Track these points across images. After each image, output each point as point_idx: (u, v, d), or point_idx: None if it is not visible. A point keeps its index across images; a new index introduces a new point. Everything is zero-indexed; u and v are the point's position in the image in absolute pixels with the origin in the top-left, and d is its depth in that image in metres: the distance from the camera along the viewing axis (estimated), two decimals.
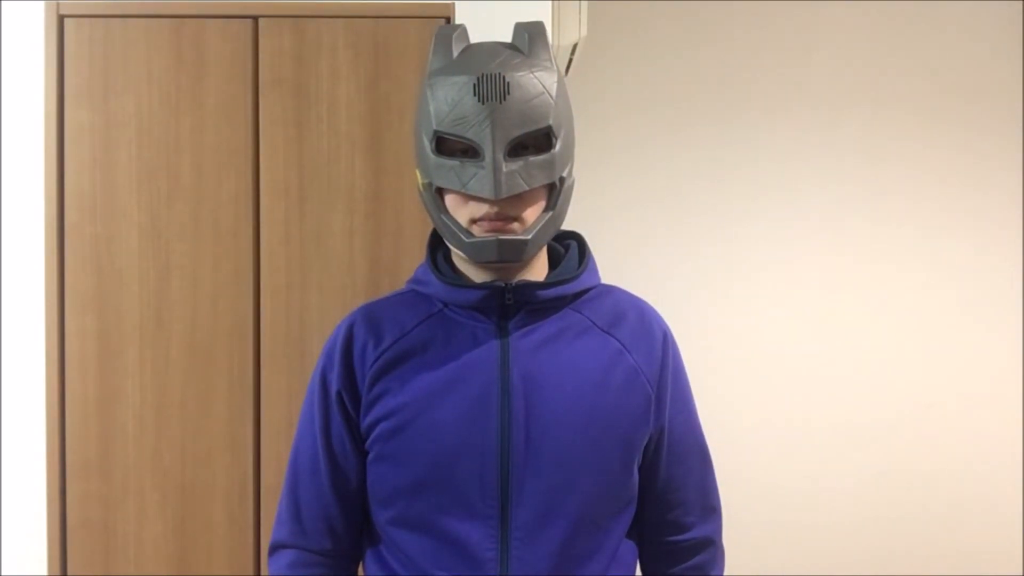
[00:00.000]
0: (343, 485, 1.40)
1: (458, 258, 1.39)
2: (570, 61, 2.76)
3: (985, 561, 3.60)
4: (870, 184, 3.61)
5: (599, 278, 1.45)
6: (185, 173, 2.18)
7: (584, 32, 2.50)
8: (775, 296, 3.59)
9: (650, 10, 3.54)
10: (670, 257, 3.57)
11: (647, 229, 3.56)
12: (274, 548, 1.45)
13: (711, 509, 1.47)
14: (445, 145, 1.28)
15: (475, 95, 1.24)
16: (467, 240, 1.28)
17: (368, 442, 1.37)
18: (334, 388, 1.39)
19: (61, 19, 2.17)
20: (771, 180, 3.59)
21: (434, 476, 1.31)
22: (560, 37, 2.44)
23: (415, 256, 2.17)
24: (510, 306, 1.34)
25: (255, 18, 2.20)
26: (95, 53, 2.18)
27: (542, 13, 2.23)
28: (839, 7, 3.60)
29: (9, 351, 2.23)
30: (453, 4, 2.21)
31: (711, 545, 1.47)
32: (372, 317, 1.41)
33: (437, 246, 1.45)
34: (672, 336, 1.44)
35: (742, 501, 3.03)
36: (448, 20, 2.21)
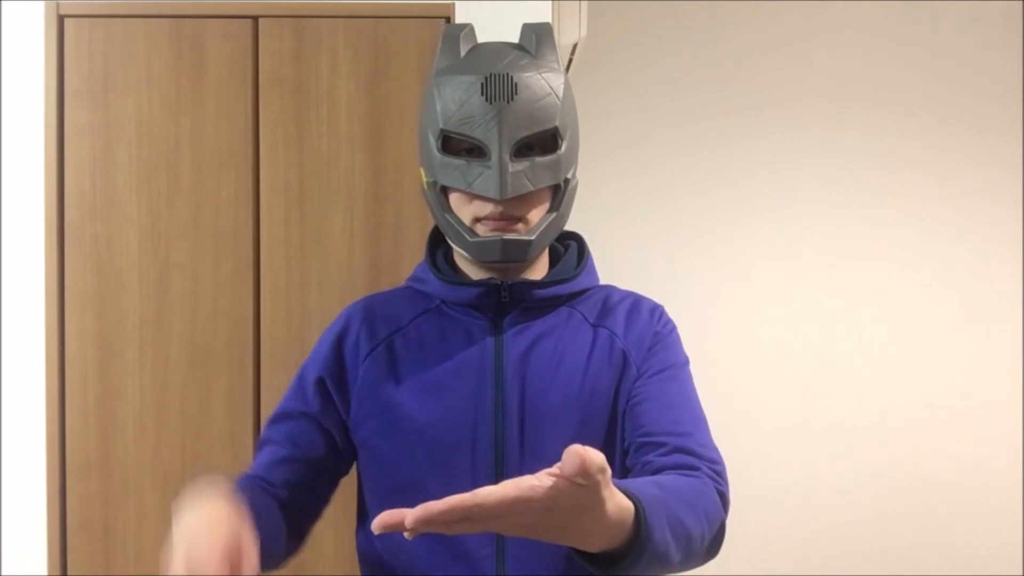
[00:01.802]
0: (306, 455, 1.37)
1: (459, 257, 1.39)
2: (570, 61, 2.76)
3: (985, 561, 3.61)
4: (870, 184, 3.62)
5: (597, 279, 1.44)
6: (185, 173, 2.18)
7: (584, 32, 2.50)
8: (775, 296, 3.60)
9: (650, 10, 3.54)
10: (669, 257, 3.57)
11: (646, 229, 3.57)
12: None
13: (705, 458, 1.28)
14: (451, 144, 1.28)
15: (483, 95, 1.24)
16: (471, 239, 1.28)
17: (359, 435, 1.36)
18: (316, 375, 1.38)
19: (61, 19, 2.17)
20: (771, 180, 3.60)
21: (428, 473, 1.30)
22: (560, 37, 2.44)
23: (415, 256, 2.16)
24: (506, 303, 1.34)
25: (255, 18, 2.19)
26: (95, 53, 2.17)
27: (542, 13, 2.23)
28: (840, 7, 3.60)
29: (9, 351, 2.23)
30: (453, 4, 2.21)
31: (694, 464, 1.25)
32: (369, 310, 1.41)
33: (437, 245, 1.45)
34: (666, 314, 1.41)
35: (741, 501, 3.01)
36: (448, 20, 2.21)
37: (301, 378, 1.42)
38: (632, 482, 1.03)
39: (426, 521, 0.79)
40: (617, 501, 0.92)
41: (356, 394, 1.36)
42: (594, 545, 0.95)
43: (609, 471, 0.87)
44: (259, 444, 1.42)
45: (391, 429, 1.33)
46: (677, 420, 1.30)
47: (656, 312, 1.41)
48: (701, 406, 1.37)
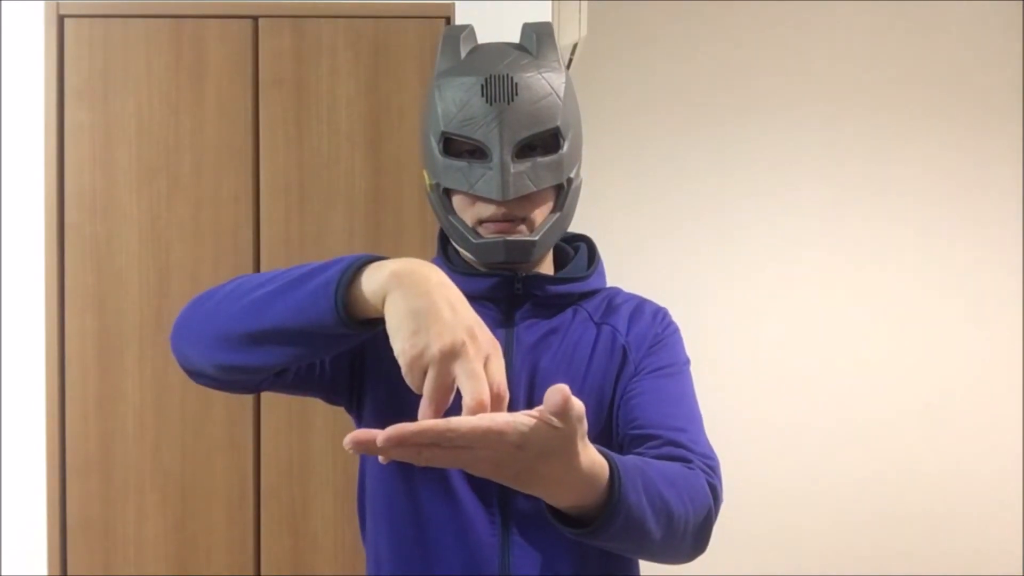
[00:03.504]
0: None
1: (467, 257, 1.39)
2: (570, 61, 2.76)
3: (985, 561, 3.61)
4: (871, 184, 3.62)
5: (605, 282, 1.45)
6: (185, 173, 2.18)
7: (584, 32, 2.50)
8: (775, 296, 3.60)
9: (650, 10, 3.55)
10: (669, 257, 3.57)
11: (646, 229, 3.57)
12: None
13: (697, 453, 1.27)
14: (453, 146, 1.28)
15: (483, 96, 1.23)
16: (474, 241, 1.28)
17: (369, 392, 1.33)
18: None
19: (61, 19, 2.17)
20: (771, 180, 3.60)
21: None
22: (560, 37, 2.44)
23: (415, 256, 2.16)
24: (518, 296, 1.34)
25: (255, 18, 2.19)
26: (95, 53, 2.17)
27: (542, 13, 2.23)
28: (839, 7, 3.60)
29: (9, 351, 2.23)
30: (453, 4, 2.21)
31: (688, 462, 1.23)
32: None
33: (447, 240, 1.45)
34: (669, 316, 1.42)
35: (741, 502, 3.03)
36: (448, 20, 2.21)
37: None
38: (611, 452, 1.03)
39: (398, 441, 0.79)
40: (591, 455, 0.93)
41: (385, 352, 1.34)
42: (564, 498, 0.95)
43: (586, 423, 0.88)
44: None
45: (402, 405, 1.32)
46: (671, 415, 1.30)
47: (659, 314, 1.41)
48: (698, 406, 1.36)
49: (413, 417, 0.96)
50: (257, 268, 2.19)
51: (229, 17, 2.19)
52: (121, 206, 2.18)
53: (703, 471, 1.23)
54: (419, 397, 1.06)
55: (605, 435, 1.32)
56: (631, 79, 3.54)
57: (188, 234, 2.18)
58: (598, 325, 1.37)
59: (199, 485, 2.19)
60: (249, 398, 2.17)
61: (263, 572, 2.19)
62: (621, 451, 1.29)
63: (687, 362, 1.40)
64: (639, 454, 1.24)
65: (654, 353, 1.36)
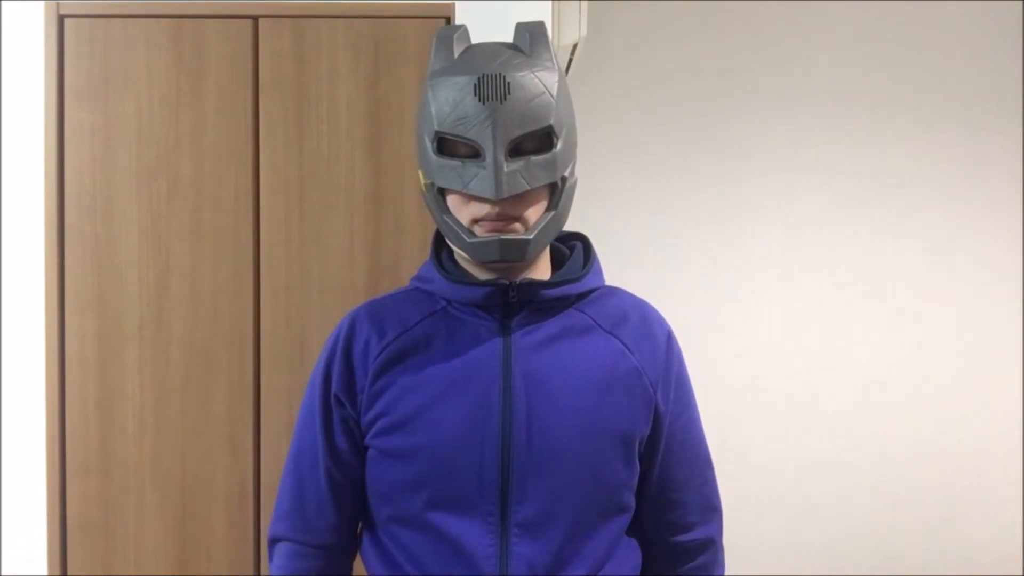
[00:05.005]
0: (343, 481, 1.41)
1: (462, 257, 1.39)
2: (570, 61, 2.75)
3: (985, 561, 3.60)
4: (871, 185, 3.62)
5: (603, 280, 1.45)
6: (185, 173, 2.18)
7: (584, 32, 2.50)
8: (775, 296, 3.59)
9: (650, 10, 3.54)
10: (668, 257, 3.57)
11: (645, 229, 3.57)
12: (273, 541, 1.45)
13: (712, 509, 1.47)
14: (446, 145, 1.29)
15: (476, 95, 1.24)
16: (469, 240, 1.29)
17: (369, 436, 1.37)
18: (333, 387, 1.39)
19: (61, 19, 2.17)
20: (771, 180, 3.60)
21: (435, 473, 1.31)
22: (560, 37, 2.44)
23: (415, 256, 2.17)
24: (513, 304, 1.34)
25: (255, 18, 2.19)
26: (95, 53, 2.17)
27: (542, 13, 2.23)
28: (839, 7, 3.60)
29: (9, 351, 2.23)
30: (453, 4, 2.21)
31: (712, 545, 1.47)
32: (375, 313, 1.41)
33: (441, 244, 1.45)
34: (675, 338, 1.44)
35: (740, 502, 3.03)
36: (448, 20, 2.21)
37: (321, 399, 1.42)
38: None
39: None
40: None
41: (366, 397, 1.37)
42: None
43: None
44: (296, 487, 1.45)
45: (398, 429, 1.33)
46: (702, 480, 1.47)
47: (666, 333, 1.44)
48: (706, 442, 1.49)
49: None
50: (257, 268, 2.18)
51: (229, 17, 2.19)
52: (121, 206, 2.18)
53: (721, 549, 1.50)
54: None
55: (593, 439, 1.33)
56: (631, 79, 3.54)
57: (188, 234, 2.18)
58: (605, 333, 1.38)
59: (199, 485, 2.19)
60: (249, 398, 2.17)
61: (263, 572, 2.20)
62: (644, 483, 1.43)
63: (693, 390, 1.48)
64: (676, 545, 1.46)
65: (672, 389, 1.42)
